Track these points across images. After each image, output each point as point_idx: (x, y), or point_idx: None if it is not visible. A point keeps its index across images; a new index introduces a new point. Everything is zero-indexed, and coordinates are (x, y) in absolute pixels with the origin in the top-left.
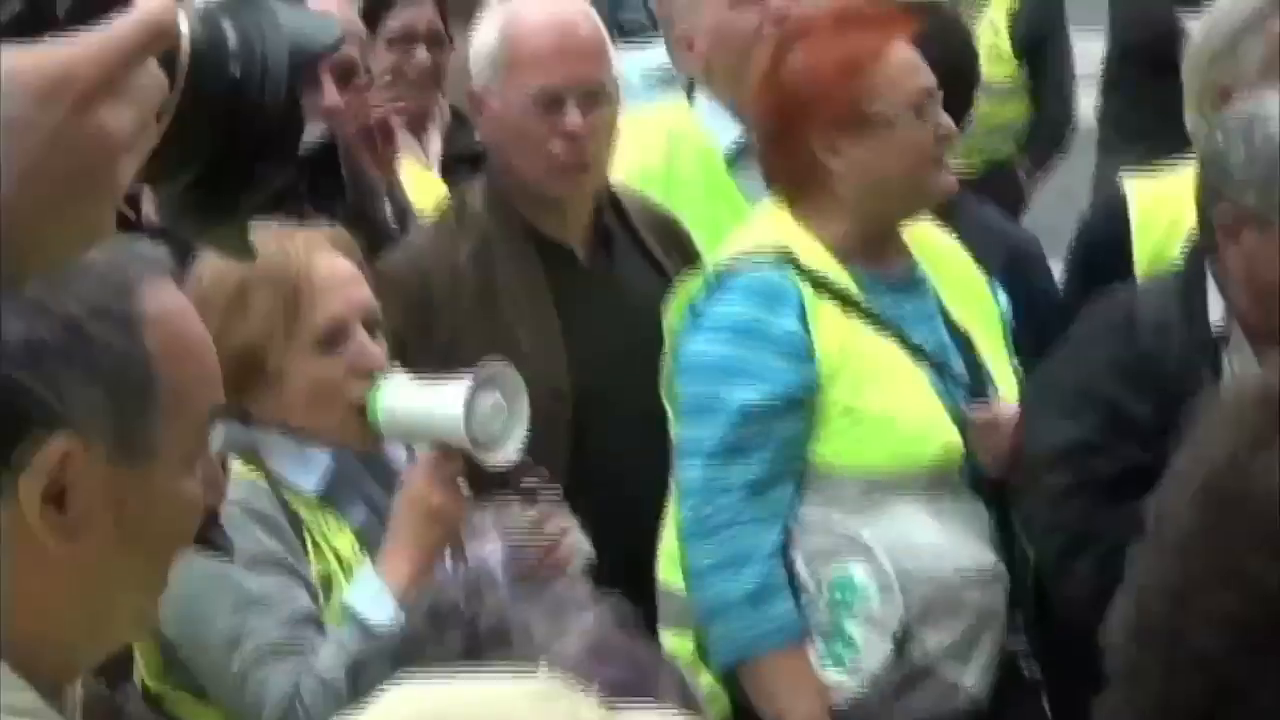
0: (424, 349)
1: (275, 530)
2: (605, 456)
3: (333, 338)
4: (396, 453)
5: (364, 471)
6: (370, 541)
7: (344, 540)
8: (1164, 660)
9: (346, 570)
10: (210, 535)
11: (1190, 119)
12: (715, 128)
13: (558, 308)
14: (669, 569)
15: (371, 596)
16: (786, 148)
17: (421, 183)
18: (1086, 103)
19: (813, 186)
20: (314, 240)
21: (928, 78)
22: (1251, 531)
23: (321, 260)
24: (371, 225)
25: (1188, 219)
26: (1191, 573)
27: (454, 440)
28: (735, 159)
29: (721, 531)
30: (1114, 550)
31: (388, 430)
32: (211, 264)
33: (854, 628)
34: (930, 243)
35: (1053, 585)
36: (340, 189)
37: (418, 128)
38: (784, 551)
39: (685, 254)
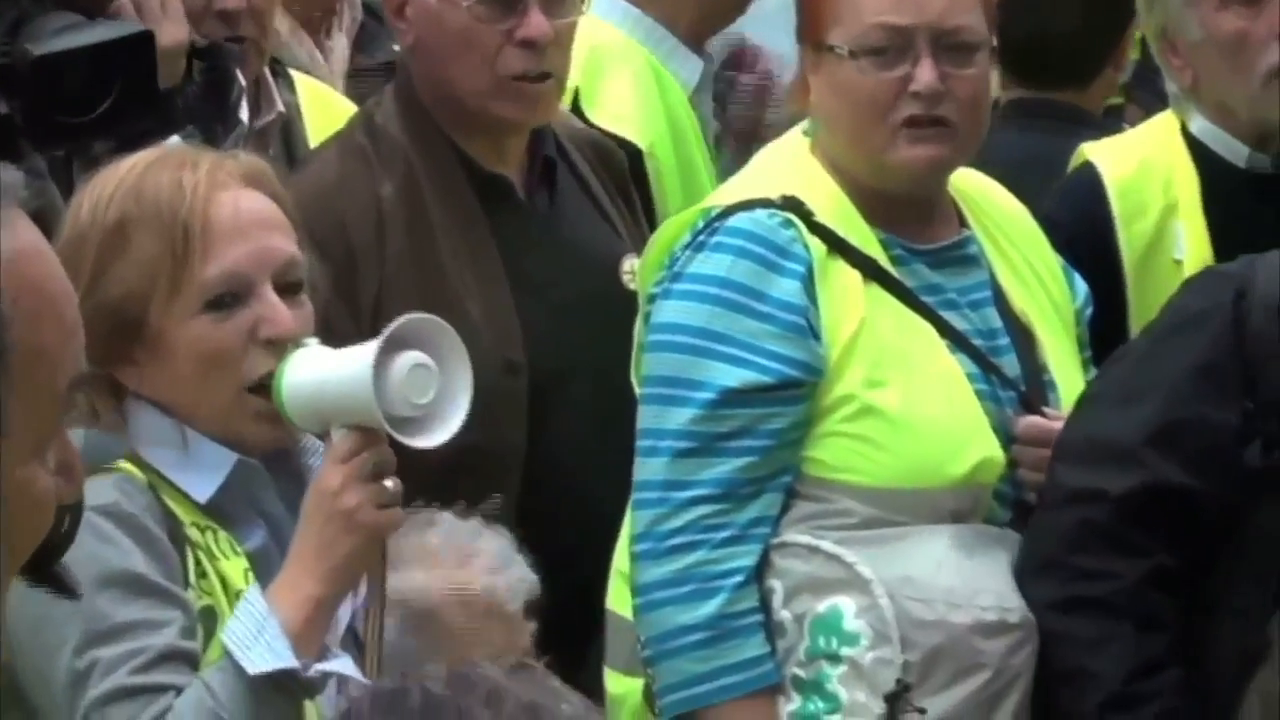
0: (350, 316)
1: (149, 543)
2: (564, 447)
3: (227, 296)
4: (315, 458)
5: (268, 480)
6: (265, 572)
7: (234, 566)
8: None
9: (234, 603)
10: (49, 565)
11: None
12: (676, 64)
13: (502, 259)
14: (621, 591)
15: (254, 630)
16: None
17: (320, 103)
18: None
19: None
20: (220, 171)
21: (914, 13)
22: None
23: (224, 197)
24: None
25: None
26: None
27: (366, 417)
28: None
29: (682, 547)
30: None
31: (295, 414)
32: (93, 193)
33: (837, 681)
34: (986, 202)
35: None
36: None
37: (316, 28)
38: (759, 579)
39: (625, 194)
